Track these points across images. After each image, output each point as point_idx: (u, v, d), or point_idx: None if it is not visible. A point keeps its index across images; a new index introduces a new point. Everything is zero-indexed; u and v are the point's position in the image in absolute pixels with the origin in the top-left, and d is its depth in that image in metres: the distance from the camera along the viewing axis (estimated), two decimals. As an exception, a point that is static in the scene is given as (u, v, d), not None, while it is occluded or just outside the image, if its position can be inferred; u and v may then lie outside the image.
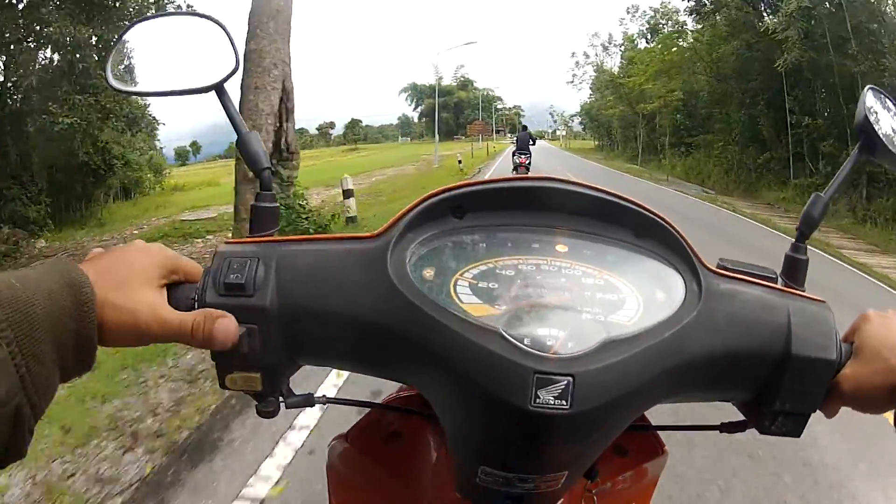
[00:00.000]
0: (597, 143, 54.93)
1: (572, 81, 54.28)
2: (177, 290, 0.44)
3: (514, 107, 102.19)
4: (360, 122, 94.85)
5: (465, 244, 0.46)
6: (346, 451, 0.62)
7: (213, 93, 0.51)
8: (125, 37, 0.55)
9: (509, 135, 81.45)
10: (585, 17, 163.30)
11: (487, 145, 34.84)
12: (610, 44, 41.88)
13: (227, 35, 0.53)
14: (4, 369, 0.30)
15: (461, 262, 0.44)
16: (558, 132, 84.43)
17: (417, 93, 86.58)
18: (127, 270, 0.40)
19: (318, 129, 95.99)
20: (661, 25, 31.33)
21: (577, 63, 58.81)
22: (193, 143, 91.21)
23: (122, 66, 0.55)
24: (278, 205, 0.51)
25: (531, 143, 13.47)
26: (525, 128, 14.21)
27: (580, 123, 65.12)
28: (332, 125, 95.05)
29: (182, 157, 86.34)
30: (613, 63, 41.41)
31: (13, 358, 0.31)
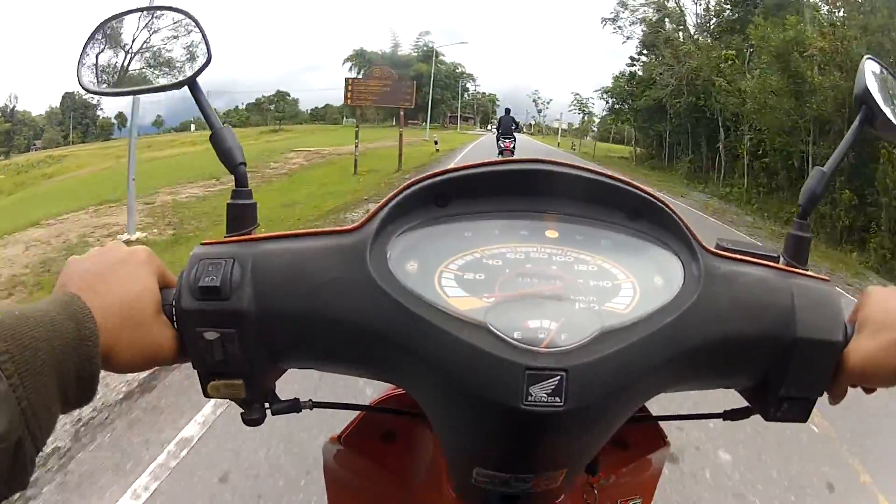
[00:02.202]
0: (634, 148, 27.66)
1: (615, 19, 24.78)
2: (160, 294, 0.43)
3: (489, 94, 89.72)
4: (288, 94, 76.27)
5: (450, 234, 0.44)
6: (340, 452, 0.60)
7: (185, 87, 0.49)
8: (95, 35, 0.53)
9: (482, 126, 68.79)
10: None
11: (400, 146, 13.02)
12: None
13: (199, 27, 0.51)
14: (6, 403, 0.30)
15: (446, 252, 0.42)
16: (556, 124, 58.27)
17: (366, 62, 62.10)
18: (131, 297, 0.40)
19: (252, 103, 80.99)
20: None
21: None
22: (119, 116, 77.10)
23: (92, 66, 0.53)
24: (255, 201, 0.48)
25: (514, 127, 13.51)
26: (508, 111, 14.31)
27: (611, 109, 28.42)
28: (269, 100, 79.29)
29: (106, 130, 75.87)
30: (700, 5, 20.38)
31: (14, 391, 0.30)
